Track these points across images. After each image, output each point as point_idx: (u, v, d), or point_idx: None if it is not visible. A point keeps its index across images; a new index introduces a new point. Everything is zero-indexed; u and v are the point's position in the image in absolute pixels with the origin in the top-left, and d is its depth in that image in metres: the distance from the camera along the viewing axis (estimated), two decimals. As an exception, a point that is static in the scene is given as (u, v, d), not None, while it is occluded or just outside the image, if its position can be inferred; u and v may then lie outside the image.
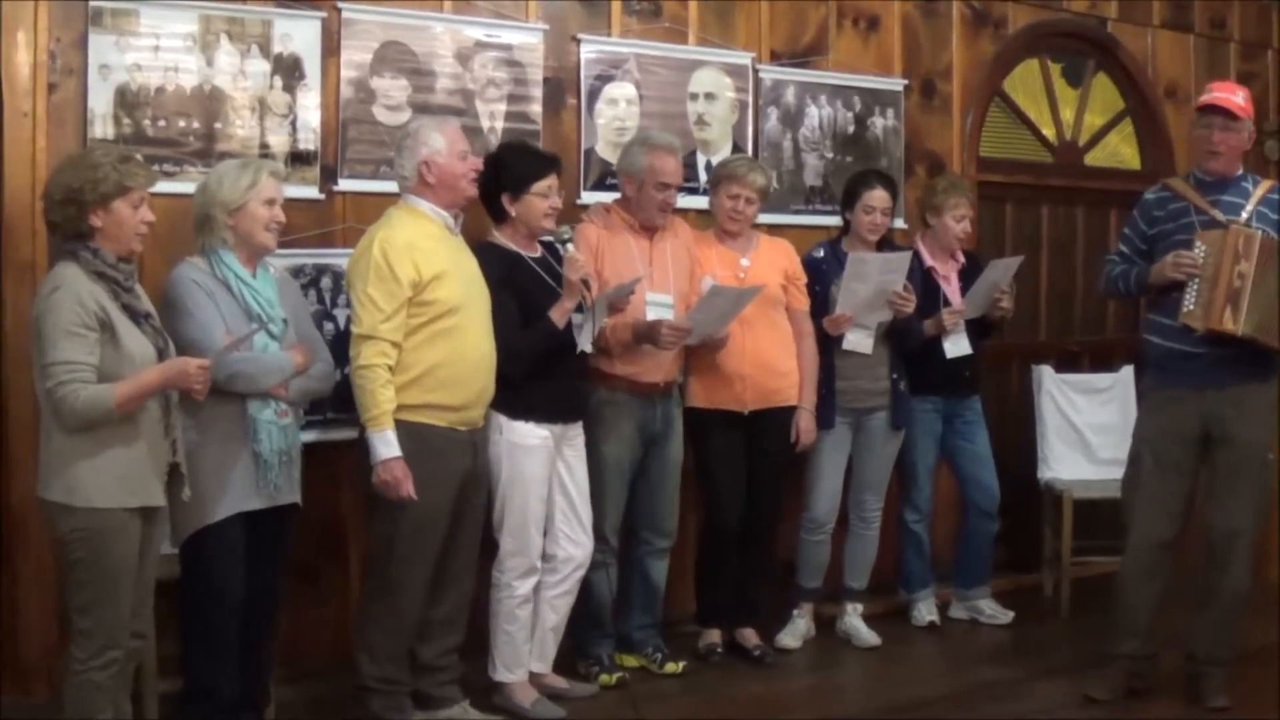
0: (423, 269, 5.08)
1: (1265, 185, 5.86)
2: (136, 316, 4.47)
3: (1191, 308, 5.61)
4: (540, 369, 5.49)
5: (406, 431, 5.12)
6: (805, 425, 6.39)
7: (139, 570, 4.49)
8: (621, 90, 6.61)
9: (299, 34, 5.78)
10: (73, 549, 4.36)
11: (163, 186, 5.31)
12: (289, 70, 5.77)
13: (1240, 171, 5.87)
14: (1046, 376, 7.74)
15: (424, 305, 5.10)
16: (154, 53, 5.47)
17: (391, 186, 5.46)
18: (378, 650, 5.25)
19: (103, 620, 4.40)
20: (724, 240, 6.33)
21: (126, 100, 5.42)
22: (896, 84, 7.44)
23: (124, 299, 4.45)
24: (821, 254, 6.61)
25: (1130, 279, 5.90)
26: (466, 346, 5.21)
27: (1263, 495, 5.84)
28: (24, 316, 4.63)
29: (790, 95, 7.10)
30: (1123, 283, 5.95)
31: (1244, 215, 5.69)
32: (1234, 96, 5.82)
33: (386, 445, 5.06)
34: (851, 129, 7.29)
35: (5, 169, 5.25)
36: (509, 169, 5.58)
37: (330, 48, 5.86)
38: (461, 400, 5.21)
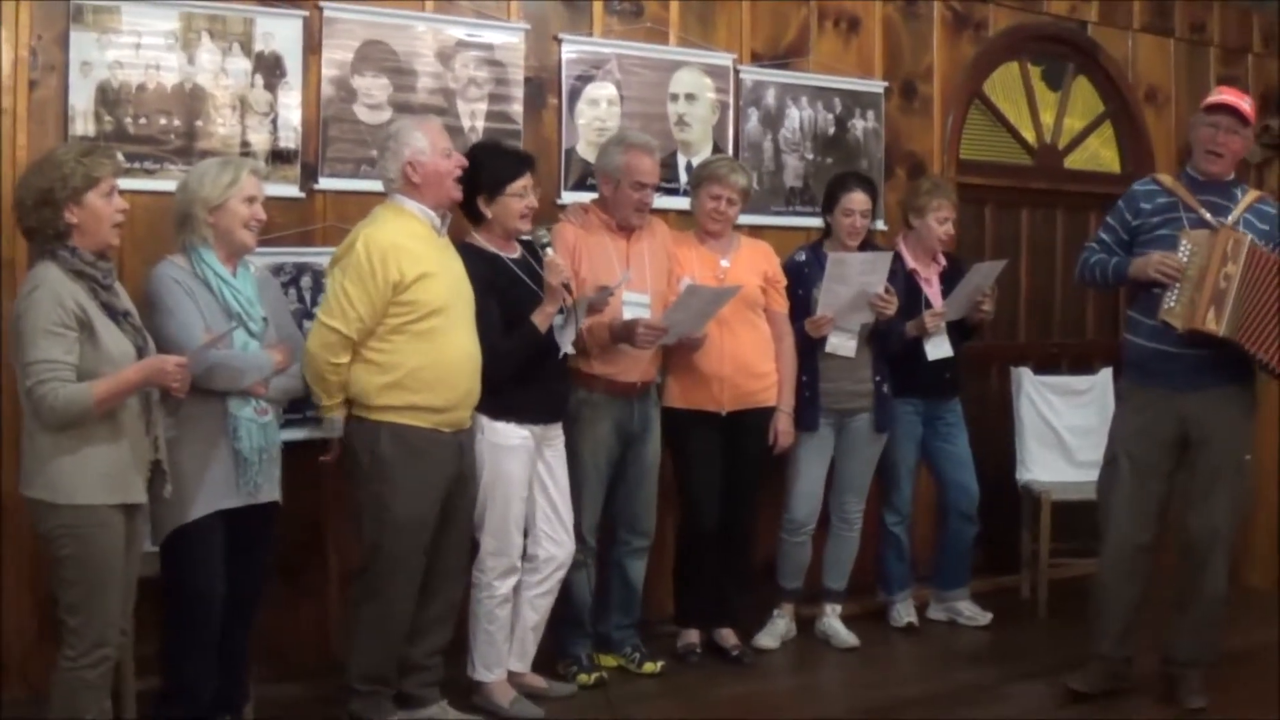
0: (406, 270, 5.09)
1: (1254, 194, 5.90)
2: (115, 315, 4.49)
3: (1173, 305, 5.64)
4: (523, 371, 5.51)
5: (391, 433, 5.15)
6: (783, 427, 6.42)
7: (124, 568, 4.51)
8: (602, 90, 6.63)
9: (280, 32, 5.80)
10: (58, 546, 4.38)
11: (143, 184, 5.38)
12: (270, 68, 5.78)
13: (1233, 177, 5.92)
14: (1025, 379, 7.78)
15: (406, 305, 5.12)
16: (135, 50, 5.49)
17: (372, 185, 5.50)
18: (368, 653, 5.26)
19: (93, 618, 4.41)
20: (705, 241, 6.35)
21: (108, 98, 5.44)
22: (877, 86, 7.48)
23: (103, 297, 4.46)
24: (804, 257, 6.64)
25: (1108, 269, 5.92)
26: (450, 347, 5.22)
27: (1240, 498, 5.90)
28: (6, 314, 4.63)
29: (771, 96, 7.13)
30: (1099, 271, 5.97)
31: (1230, 220, 5.73)
32: (1243, 101, 5.87)
33: (336, 429, 5.23)
34: (832, 130, 7.33)
35: (-14, 166, 5.29)
36: (484, 169, 5.56)
37: (312, 46, 5.88)
38: (446, 401, 5.22)
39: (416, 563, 5.25)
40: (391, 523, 5.17)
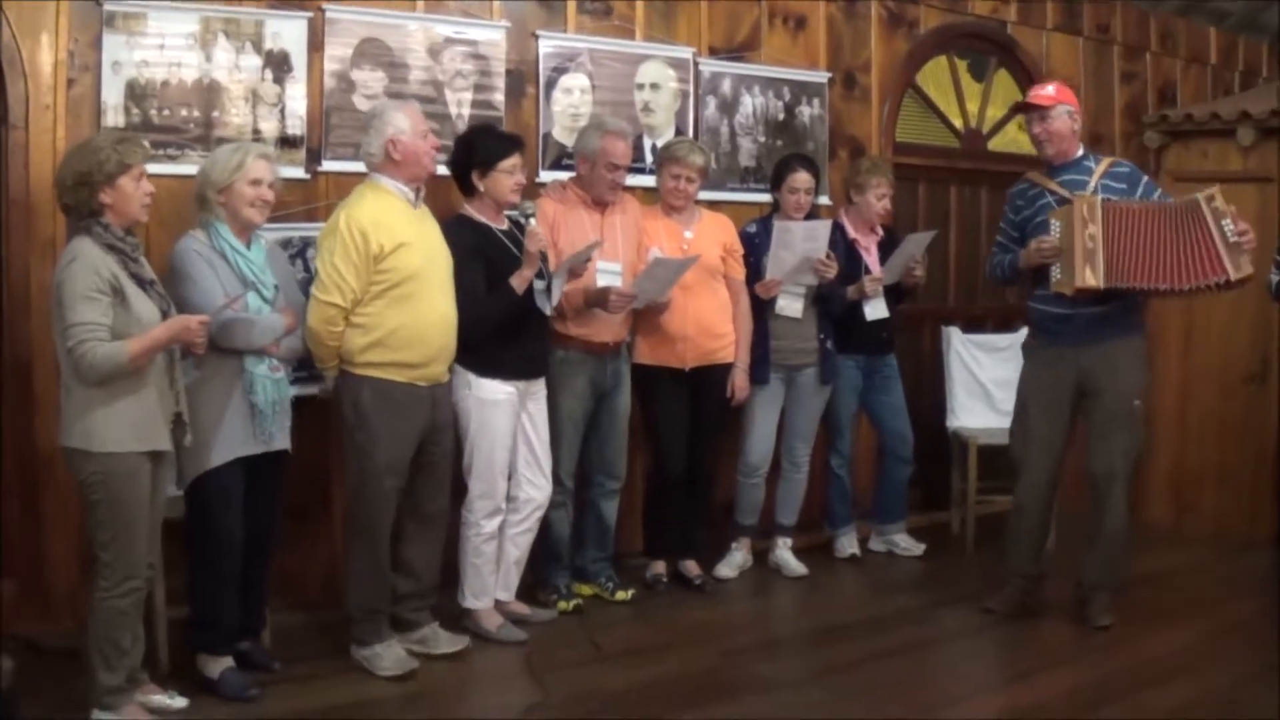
0: (384, 241, 5.12)
1: (1107, 161, 6.00)
2: (143, 283, 4.54)
3: (1059, 277, 5.77)
4: (507, 332, 5.55)
5: (371, 387, 5.19)
6: (740, 382, 6.47)
7: (150, 508, 4.56)
8: (576, 81, 6.65)
9: (287, 32, 5.81)
10: (93, 490, 4.44)
11: (166, 169, 5.39)
12: (279, 64, 5.80)
13: (1081, 153, 6.01)
14: (954, 337, 7.83)
15: (385, 273, 5.14)
16: (160, 50, 5.50)
17: (370, 167, 5.50)
18: (358, 582, 5.30)
19: (122, 554, 4.48)
20: (670, 215, 6.39)
21: (135, 92, 5.45)
22: (821, 76, 7.50)
23: (131, 268, 4.51)
24: (754, 229, 6.68)
25: (1006, 266, 6.09)
26: (426, 309, 5.24)
27: (1133, 440, 5.97)
28: (48, 285, 4.66)
29: (727, 86, 7.15)
30: (1000, 270, 6.15)
31: (1088, 190, 5.82)
32: (1043, 90, 5.99)
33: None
34: (781, 116, 7.36)
35: (30, 156, 5.29)
36: (478, 149, 5.62)
37: (315, 44, 5.89)
38: (421, 358, 5.25)
39: (392, 502, 5.28)
40: (371, 467, 5.21)
